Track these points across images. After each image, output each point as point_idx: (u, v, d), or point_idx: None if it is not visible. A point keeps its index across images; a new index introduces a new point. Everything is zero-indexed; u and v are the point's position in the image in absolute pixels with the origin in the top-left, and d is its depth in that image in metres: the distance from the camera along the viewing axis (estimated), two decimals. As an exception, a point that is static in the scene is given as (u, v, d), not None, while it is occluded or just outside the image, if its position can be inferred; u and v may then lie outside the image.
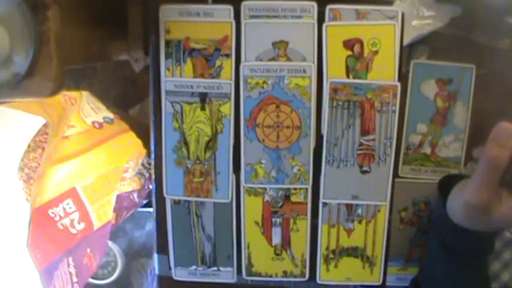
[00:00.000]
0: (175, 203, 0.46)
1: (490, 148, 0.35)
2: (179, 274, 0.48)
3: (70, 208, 0.43)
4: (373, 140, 0.44)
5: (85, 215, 0.43)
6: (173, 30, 0.43)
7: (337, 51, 0.42)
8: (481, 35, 0.45)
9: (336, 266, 0.47)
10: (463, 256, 0.40)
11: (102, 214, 0.45)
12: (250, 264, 0.47)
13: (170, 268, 0.48)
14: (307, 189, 0.45)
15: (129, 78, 0.59)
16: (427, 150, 0.47)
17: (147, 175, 0.49)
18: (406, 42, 0.43)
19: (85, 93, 0.48)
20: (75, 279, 0.43)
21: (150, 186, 0.48)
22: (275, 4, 0.42)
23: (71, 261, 0.43)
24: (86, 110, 0.47)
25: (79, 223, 0.43)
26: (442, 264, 0.41)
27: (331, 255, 0.46)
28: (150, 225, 0.55)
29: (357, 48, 0.42)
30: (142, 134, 0.49)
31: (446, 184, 0.41)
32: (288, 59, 0.43)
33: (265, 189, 0.45)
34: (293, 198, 0.45)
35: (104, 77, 0.59)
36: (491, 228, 0.38)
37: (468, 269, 0.40)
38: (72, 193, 0.43)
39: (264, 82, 0.43)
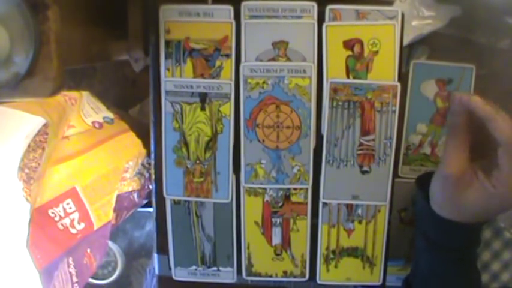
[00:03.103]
0: (175, 203, 0.46)
1: (448, 117, 0.39)
2: (179, 274, 0.48)
3: (70, 208, 0.43)
4: (373, 140, 0.44)
5: (85, 215, 0.43)
6: (173, 31, 0.43)
7: (337, 51, 0.42)
8: (481, 35, 0.45)
9: (336, 266, 0.47)
10: (446, 250, 0.39)
11: (102, 214, 0.45)
12: (250, 264, 0.47)
13: (170, 268, 0.48)
14: (307, 189, 0.45)
15: (129, 78, 0.59)
16: (427, 150, 0.47)
17: (147, 175, 0.49)
18: (406, 42, 0.43)
19: (85, 93, 0.48)
20: (75, 279, 0.43)
21: (150, 186, 0.48)
22: (275, 4, 0.42)
23: (71, 261, 0.43)
24: (86, 110, 0.47)
25: (79, 223, 0.43)
26: (427, 259, 0.41)
27: (331, 255, 0.46)
28: (150, 225, 0.55)
29: (357, 48, 0.42)
30: (143, 134, 0.49)
31: (425, 181, 0.41)
32: (288, 59, 0.43)
33: (265, 189, 0.45)
34: (293, 198, 0.45)
35: (104, 77, 0.59)
36: (469, 215, 0.38)
37: (452, 263, 0.40)
38: (72, 193, 0.43)
39: (264, 82, 0.43)
